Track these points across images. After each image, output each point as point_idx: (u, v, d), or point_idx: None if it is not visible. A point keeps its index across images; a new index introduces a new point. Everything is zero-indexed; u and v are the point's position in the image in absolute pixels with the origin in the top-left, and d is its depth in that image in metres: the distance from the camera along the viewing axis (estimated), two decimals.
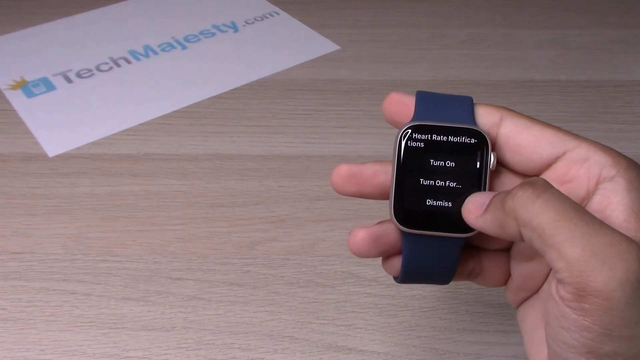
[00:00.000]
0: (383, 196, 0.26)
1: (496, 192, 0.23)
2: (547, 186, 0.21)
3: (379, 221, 0.26)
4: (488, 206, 0.23)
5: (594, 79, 0.61)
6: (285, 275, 0.42)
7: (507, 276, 0.27)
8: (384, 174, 0.25)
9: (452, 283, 0.28)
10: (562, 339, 0.21)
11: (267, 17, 0.70)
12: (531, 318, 0.25)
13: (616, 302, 0.19)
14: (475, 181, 0.25)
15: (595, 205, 0.23)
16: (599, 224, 0.20)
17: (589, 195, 0.23)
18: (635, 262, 0.19)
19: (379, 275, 0.41)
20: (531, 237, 0.21)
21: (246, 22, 0.70)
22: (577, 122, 0.55)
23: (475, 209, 0.23)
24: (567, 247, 0.20)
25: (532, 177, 0.22)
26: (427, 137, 0.25)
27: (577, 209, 0.21)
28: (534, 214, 0.21)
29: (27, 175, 0.49)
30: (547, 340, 0.22)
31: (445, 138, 0.25)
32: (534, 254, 0.25)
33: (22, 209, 0.46)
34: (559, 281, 0.20)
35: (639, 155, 0.52)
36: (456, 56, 0.64)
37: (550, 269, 0.25)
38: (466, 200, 0.24)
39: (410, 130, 0.25)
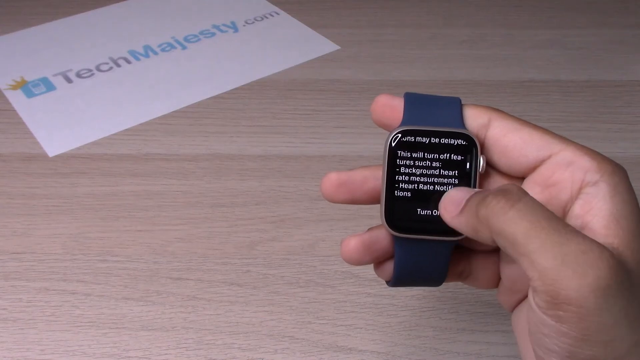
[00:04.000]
0: (374, 201, 0.26)
1: (473, 192, 0.23)
2: (521, 194, 0.21)
3: (368, 228, 0.26)
4: (464, 208, 0.23)
5: (594, 79, 0.61)
6: (285, 275, 0.42)
7: (497, 278, 0.27)
8: (374, 180, 0.26)
9: (452, 283, 0.28)
10: (544, 345, 0.21)
11: (267, 17, 0.70)
12: (523, 322, 0.25)
13: (589, 308, 0.19)
14: (465, 184, 0.25)
15: (577, 210, 0.23)
16: (572, 232, 0.20)
17: (572, 199, 0.23)
18: (605, 269, 0.19)
19: None
20: (504, 245, 0.21)
21: (246, 22, 0.70)
22: (577, 122, 0.55)
23: (452, 208, 0.23)
24: (539, 256, 0.20)
25: (507, 185, 0.22)
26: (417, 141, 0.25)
27: (550, 217, 0.21)
28: (506, 224, 0.21)
29: (27, 175, 0.49)
30: (532, 347, 0.23)
31: (434, 142, 0.25)
32: None
33: (22, 209, 0.46)
34: (534, 289, 0.21)
35: (639, 155, 0.52)
36: (456, 56, 0.64)
37: None
38: (443, 197, 0.24)
39: (399, 135, 0.25)
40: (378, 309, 0.40)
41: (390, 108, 0.26)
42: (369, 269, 0.42)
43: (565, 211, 0.24)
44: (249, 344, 0.37)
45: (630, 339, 0.20)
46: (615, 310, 0.19)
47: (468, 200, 0.23)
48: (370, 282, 0.41)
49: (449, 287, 0.41)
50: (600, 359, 0.20)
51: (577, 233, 0.20)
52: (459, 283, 0.28)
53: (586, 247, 0.20)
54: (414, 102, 0.26)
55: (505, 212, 0.21)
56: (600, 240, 0.21)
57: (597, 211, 0.22)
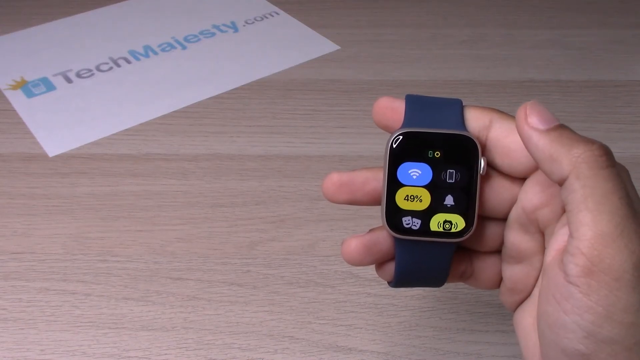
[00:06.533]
0: (375, 202, 0.26)
1: (560, 122, 0.23)
2: (615, 161, 0.22)
3: (370, 229, 0.26)
4: (553, 129, 0.23)
5: (594, 79, 0.61)
6: (285, 275, 0.42)
7: (499, 278, 0.27)
8: (375, 181, 0.26)
9: (452, 283, 0.28)
10: (561, 324, 0.21)
11: (267, 17, 0.70)
12: (526, 321, 0.25)
13: (624, 283, 0.20)
14: (466, 187, 0.25)
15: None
16: (635, 212, 0.21)
17: None
18: None
19: None
20: (575, 190, 0.21)
21: (246, 22, 0.70)
22: (577, 122, 0.55)
23: (536, 120, 0.23)
24: (604, 220, 0.20)
25: (603, 144, 0.22)
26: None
27: (625, 190, 0.21)
28: (596, 177, 0.21)
29: (27, 175, 0.49)
30: (542, 329, 0.23)
31: (435, 145, 0.25)
32: (524, 257, 0.25)
33: (22, 209, 0.46)
34: (572, 253, 0.21)
35: (638, 155, 0.52)
36: (456, 56, 0.64)
37: (539, 273, 0.25)
38: (528, 106, 0.23)
39: (400, 137, 0.25)
40: (378, 309, 0.40)
41: (391, 110, 0.26)
42: (369, 269, 0.42)
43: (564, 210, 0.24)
44: (249, 344, 0.37)
45: None
46: None
47: (559, 128, 0.23)
48: (370, 282, 0.41)
49: (449, 287, 0.41)
50: (619, 341, 0.20)
51: (638, 214, 0.21)
52: (459, 283, 0.28)
53: None
54: (415, 104, 0.26)
55: (600, 167, 0.21)
56: None
57: None
